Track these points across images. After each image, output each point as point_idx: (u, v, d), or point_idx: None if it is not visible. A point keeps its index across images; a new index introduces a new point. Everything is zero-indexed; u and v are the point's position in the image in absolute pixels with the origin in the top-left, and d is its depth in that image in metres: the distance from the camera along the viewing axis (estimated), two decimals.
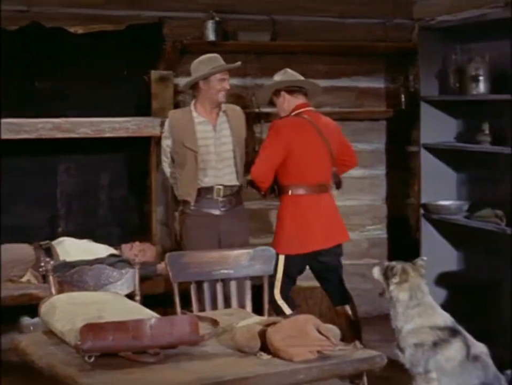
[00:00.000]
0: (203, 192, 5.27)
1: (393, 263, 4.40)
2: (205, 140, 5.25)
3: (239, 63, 5.46)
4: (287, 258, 5.24)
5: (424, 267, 4.37)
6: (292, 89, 5.38)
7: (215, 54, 5.32)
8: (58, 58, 5.87)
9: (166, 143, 5.35)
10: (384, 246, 7.00)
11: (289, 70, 5.46)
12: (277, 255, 4.94)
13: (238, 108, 5.51)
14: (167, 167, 5.42)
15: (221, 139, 5.28)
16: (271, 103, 5.58)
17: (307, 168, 5.28)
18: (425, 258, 4.43)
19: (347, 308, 5.50)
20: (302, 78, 5.44)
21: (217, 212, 5.29)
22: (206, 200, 5.28)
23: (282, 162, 5.20)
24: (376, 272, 4.43)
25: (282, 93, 5.37)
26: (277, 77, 5.44)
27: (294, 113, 5.34)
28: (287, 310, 5.33)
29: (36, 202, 5.90)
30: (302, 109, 5.35)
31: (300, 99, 5.39)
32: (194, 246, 5.17)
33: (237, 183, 5.33)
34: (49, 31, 5.81)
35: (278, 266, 5.20)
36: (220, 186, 5.28)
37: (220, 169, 5.27)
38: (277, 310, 5.35)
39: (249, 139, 6.19)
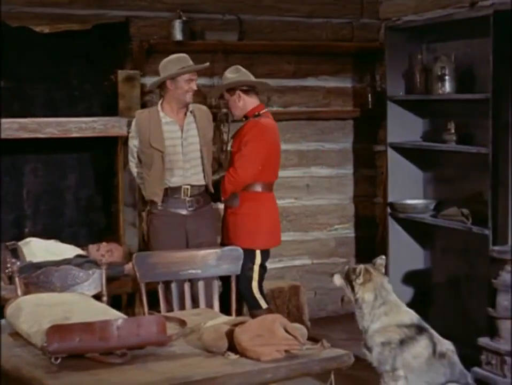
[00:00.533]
0: (171, 192, 5.25)
1: (354, 265, 4.42)
2: (172, 140, 5.23)
3: (207, 64, 5.46)
4: (263, 252, 5.41)
5: (383, 265, 4.40)
6: (247, 89, 5.49)
7: (184, 54, 5.29)
8: (24, 58, 5.83)
9: (133, 143, 5.33)
10: (352, 245, 7.02)
11: (241, 68, 5.56)
12: (250, 251, 5.22)
13: (204, 108, 5.49)
14: (134, 167, 5.40)
15: (188, 140, 5.25)
16: (221, 98, 5.71)
17: (276, 167, 5.53)
18: (383, 257, 4.45)
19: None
20: (253, 78, 5.56)
21: (184, 212, 5.27)
22: (173, 200, 5.26)
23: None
24: (337, 279, 4.44)
25: (238, 92, 5.47)
26: (230, 74, 5.52)
27: (258, 114, 5.45)
28: (264, 304, 5.40)
29: (3, 203, 5.85)
30: (264, 110, 5.51)
31: (254, 99, 5.52)
32: (161, 246, 5.15)
33: (204, 183, 5.31)
34: (15, 31, 5.77)
35: (256, 261, 5.36)
36: (188, 186, 5.25)
37: (187, 169, 5.25)
38: (253, 305, 5.39)
39: (216, 138, 6.20)
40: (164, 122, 5.24)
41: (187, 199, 5.27)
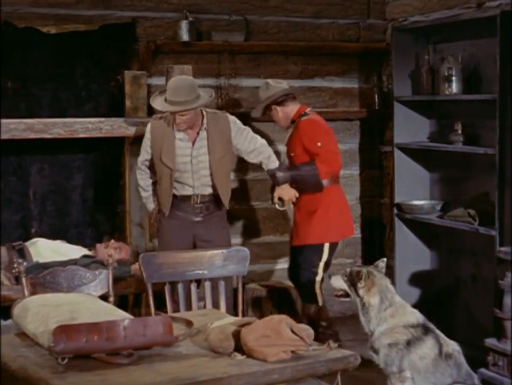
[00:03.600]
0: (181, 198, 5.25)
1: (357, 268, 4.42)
2: (183, 157, 5.19)
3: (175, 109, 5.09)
4: (331, 246, 5.60)
5: (384, 268, 4.41)
6: (281, 100, 5.67)
7: (179, 84, 5.07)
8: (31, 58, 5.84)
9: (145, 157, 5.35)
10: (358, 245, 7.01)
11: (269, 82, 5.73)
12: (318, 246, 5.52)
13: (223, 116, 5.34)
14: (141, 180, 5.45)
15: (198, 158, 5.20)
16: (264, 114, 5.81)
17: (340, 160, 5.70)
18: (384, 260, 4.46)
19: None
20: (284, 85, 5.72)
21: (193, 218, 5.27)
22: (183, 205, 5.26)
23: None
24: (335, 280, 4.43)
25: (274, 106, 5.67)
26: (262, 93, 5.70)
27: (305, 113, 5.66)
28: (321, 301, 5.55)
29: (9, 203, 5.86)
30: (309, 109, 5.73)
31: (293, 104, 5.70)
32: (166, 247, 5.19)
33: (211, 192, 5.26)
34: (22, 31, 5.78)
35: (323, 255, 5.56)
36: (198, 195, 5.25)
37: (197, 186, 5.23)
38: (309, 299, 5.53)
39: None
40: (178, 138, 5.19)
41: (196, 206, 5.26)
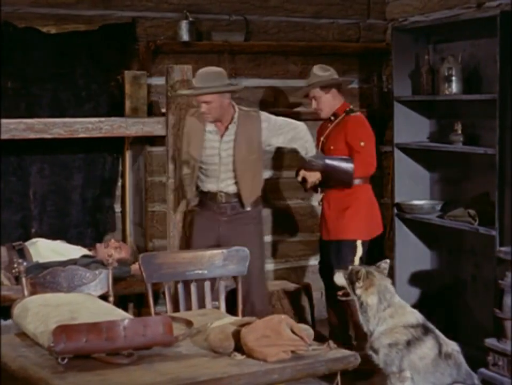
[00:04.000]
0: (209, 196, 5.24)
1: (358, 267, 4.42)
2: (211, 150, 5.17)
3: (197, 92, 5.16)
4: (363, 244, 5.57)
5: (387, 269, 4.41)
6: (339, 87, 5.69)
7: (206, 71, 5.14)
8: (31, 58, 5.84)
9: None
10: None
11: (328, 66, 5.68)
12: (352, 243, 5.49)
13: (255, 115, 5.29)
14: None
15: (227, 151, 5.17)
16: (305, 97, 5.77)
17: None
18: (387, 261, 4.45)
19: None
20: (334, 74, 5.71)
21: (218, 217, 5.22)
22: (210, 203, 5.24)
23: None
24: (339, 277, 4.43)
25: (334, 90, 5.65)
26: (322, 72, 5.63)
27: (351, 109, 5.68)
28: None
29: (9, 203, 5.86)
30: (351, 107, 5.74)
31: (341, 97, 5.71)
32: (193, 244, 5.25)
33: (237, 191, 5.20)
34: (22, 31, 5.78)
35: (356, 253, 5.51)
36: (222, 193, 5.21)
37: (222, 180, 5.19)
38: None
39: None
40: (208, 131, 5.18)
41: (222, 205, 5.21)
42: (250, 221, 5.25)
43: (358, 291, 4.29)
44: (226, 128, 5.16)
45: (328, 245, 5.66)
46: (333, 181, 5.54)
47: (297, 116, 6.62)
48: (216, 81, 5.05)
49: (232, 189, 5.20)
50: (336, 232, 5.59)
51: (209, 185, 5.22)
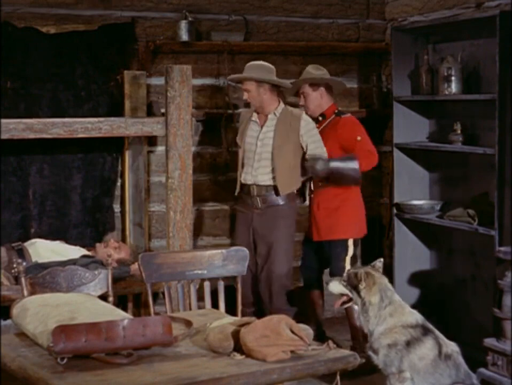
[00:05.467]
0: (245, 189, 5.51)
1: (354, 270, 4.41)
2: (251, 138, 5.51)
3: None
4: (354, 241, 5.67)
5: (381, 268, 4.41)
6: (329, 87, 5.75)
7: (258, 63, 5.50)
8: (30, 58, 5.84)
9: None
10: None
11: (322, 67, 5.75)
12: (343, 242, 5.57)
13: (298, 113, 5.53)
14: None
15: (264, 140, 5.46)
16: (296, 95, 5.87)
17: None
18: (381, 260, 4.46)
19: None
20: (326, 74, 5.79)
21: (251, 210, 5.48)
22: (245, 196, 5.52)
23: None
24: (334, 286, 4.40)
25: (322, 88, 5.72)
26: (315, 70, 5.72)
27: (339, 111, 5.74)
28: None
29: (9, 203, 5.86)
30: (340, 109, 5.82)
31: (331, 98, 5.77)
32: (235, 240, 5.61)
33: (272, 183, 5.44)
34: (21, 31, 5.78)
35: (348, 252, 5.60)
36: (255, 185, 5.45)
37: (256, 169, 5.44)
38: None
39: (223, 139, 6.21)
40: (251, 121, 5.53)
41: (254, 197, 5.46)
42: (281, 216, 5.45)
43: (362, 293, 4.28)
44: (266, 119, 5.47)
45: (319, 245, 5.71)
46: (343, 181, 5.57)
47: None
48: (255, 72, 5.41)
49: (266, 178, 5.43)
50: (327, 233, 5.64)
51: (245, 176, 5.49)
